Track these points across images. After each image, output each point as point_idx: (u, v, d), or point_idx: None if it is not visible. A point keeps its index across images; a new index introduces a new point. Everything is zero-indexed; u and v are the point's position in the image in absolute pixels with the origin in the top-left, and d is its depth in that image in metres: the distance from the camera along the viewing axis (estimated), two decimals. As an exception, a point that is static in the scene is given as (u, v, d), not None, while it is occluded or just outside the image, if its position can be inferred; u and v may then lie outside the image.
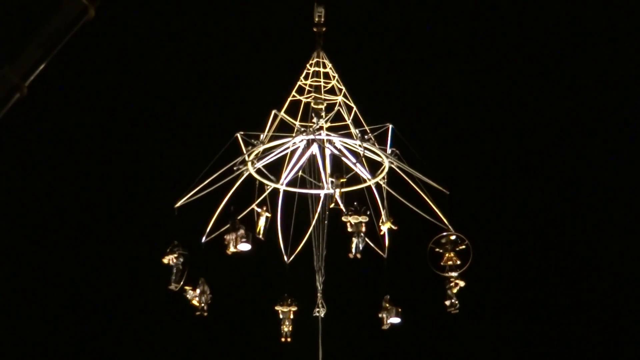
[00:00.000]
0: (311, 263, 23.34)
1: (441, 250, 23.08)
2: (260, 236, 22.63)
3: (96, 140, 30.97)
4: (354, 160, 23.05)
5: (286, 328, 23.61)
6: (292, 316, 23.60)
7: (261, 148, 23.19)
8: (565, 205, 32.34)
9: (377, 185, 23.69)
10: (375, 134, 23.37)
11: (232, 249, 22.26)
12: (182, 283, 22.66)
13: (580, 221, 32.22)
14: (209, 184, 22.90)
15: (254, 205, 22.89)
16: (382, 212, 23.23)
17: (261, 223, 22.67)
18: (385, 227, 23.14)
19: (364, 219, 22.24)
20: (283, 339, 23.78)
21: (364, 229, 22.27)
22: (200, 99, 30.56)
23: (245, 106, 28.76)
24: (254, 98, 28.41)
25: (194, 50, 30.10)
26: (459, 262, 22.98)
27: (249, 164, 23.14)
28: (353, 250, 22.29)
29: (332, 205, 22.47)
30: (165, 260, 22.62)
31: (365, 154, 23.12)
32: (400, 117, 24.27)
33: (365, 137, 23.10)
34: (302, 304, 23.68)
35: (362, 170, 23.38)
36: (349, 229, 22.24)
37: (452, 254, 22.96)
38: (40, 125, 29.43)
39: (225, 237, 22.43)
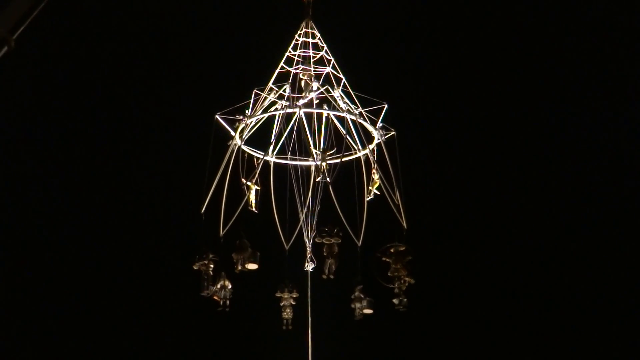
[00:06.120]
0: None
1: (389, 260, 22.30)
2: (253, 209, 22.27)
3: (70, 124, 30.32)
4: (344, 131, 22.73)
5: (287, 315, 23.39)
6: (293, 303, 23.36)
7: (248, 121, 22.85)
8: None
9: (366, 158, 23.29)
10: (367, 109, 22.97)
11: (239, 268, 22.35)
12: (214, 289, 22.55)
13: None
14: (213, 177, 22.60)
15: (243, 179, 22.42)
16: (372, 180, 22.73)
17: (252, 196, 22.25)
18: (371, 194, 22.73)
19: (336, 240, 22.38)
20: (284, 327, 23.51)
21: (336, 250, 22.40)
22: (188, 74, 30.13)
23: (232, 81, 28.36)
24: (241, 71, 28.01)
25: (182, 21, 29.62)
26: (405, 274, 22.11)
27: (237, 137, 22.69)
28: (326, 271, 22.57)
29: (319, 179, 22.19)
30: (196, 267, 22.52)
31: (356, 127, 22.73)
32: (394, 90, 23.90)
33: (357, 111, 22.74)
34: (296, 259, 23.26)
35: (352, 141, 22.98)
36: (324, 252, 22.41)
37: (398, 265, 22.19)
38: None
39: (233, 255, 22.41)
